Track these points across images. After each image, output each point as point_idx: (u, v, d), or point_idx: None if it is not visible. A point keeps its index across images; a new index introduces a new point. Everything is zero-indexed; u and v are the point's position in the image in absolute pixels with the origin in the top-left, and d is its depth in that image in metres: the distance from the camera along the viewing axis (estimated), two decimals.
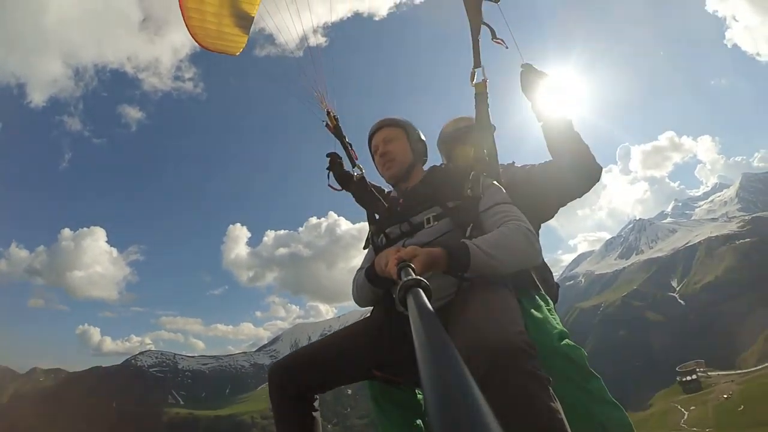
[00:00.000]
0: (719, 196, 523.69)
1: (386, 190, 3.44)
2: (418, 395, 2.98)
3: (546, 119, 3.04)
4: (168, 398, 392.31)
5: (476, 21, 2.98)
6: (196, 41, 3.89)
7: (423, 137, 3.16)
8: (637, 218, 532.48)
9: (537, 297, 2.80)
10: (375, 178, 3.44)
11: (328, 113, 3.72)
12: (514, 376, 1.69)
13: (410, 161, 2.99)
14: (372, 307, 2.94)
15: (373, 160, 3.19)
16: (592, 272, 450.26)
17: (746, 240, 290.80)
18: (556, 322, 2.61)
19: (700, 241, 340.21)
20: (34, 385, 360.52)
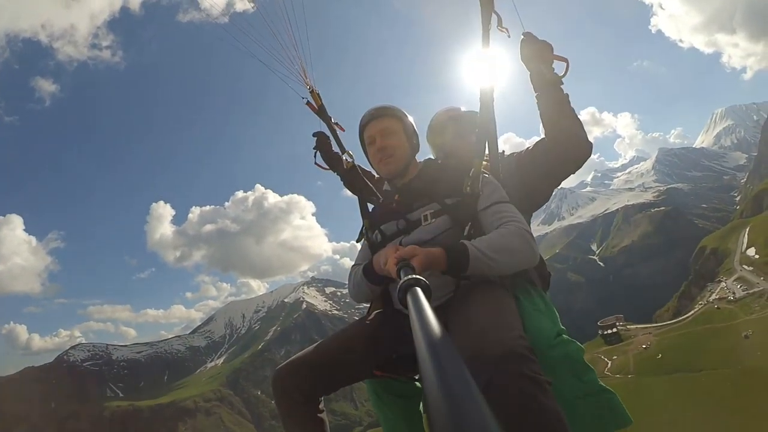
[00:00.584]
0: (636, 168, 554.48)
1: (376, 176, 3.40)
2: (418, 384, 2.97)
3: (545, 91, 2.98)
4: (107, 392, 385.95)
5: (488, 9, 2.91)
6: None
7: (415, 127, 3.04)
8: (559, 187, 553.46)
9: (533, 293, 2.82)
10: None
11: (311, 91, 3.52)
12: (515, 382, 1.71)
13: (409, 156, 2.89)
14: (369, 305, 2.93)
15: (365, 151, 3.05)
16: None
17: (661, 209, 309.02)
18: (553, 318, 2.65)
19: (617, 209, 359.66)
20: None
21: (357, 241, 3.08)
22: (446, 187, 2.68)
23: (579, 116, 2.99)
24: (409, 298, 1.18)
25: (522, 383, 1.71)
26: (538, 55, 2.98)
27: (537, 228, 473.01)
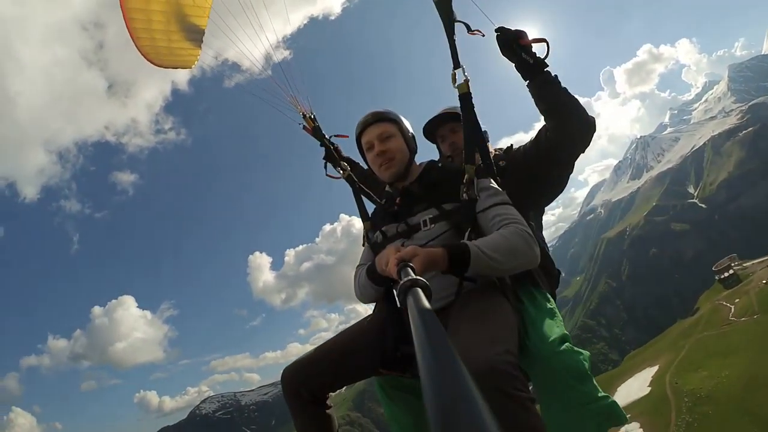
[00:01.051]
0: (712, 94, 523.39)
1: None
2: None
3: (534, 77, 2.96)
4: None
5: (449, 19, 2.91)
6: (148, 60, 3.87)
7: (411, 129, 3.07)
8: (638, 136, 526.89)
9: (538, 295, 2.82)
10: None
11: (304, 116, 3.69)
12: (493, 399, 1.69)
13: (408, 159, 2.93)
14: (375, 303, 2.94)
15: (363, 157, 3.09)
16: (609, 200, 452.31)
17: (749, 130, 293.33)
18: (558, 324, 2.63)
19: (704, 143, 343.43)
20: None
21: (363, 245, 3.14)
22: (446, 192, 2.73)
23: (573, 95, 2.96)
24: (409, 299, 1.19)
25: (501, 401, 1.70)
26: (513, 43, 2.93)
27: (627, 185, 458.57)
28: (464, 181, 2.69)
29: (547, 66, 2.94)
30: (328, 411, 2.57)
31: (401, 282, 1.36)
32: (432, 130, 3.70)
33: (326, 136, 3.72)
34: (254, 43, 3.73)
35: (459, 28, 2.97)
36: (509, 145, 3.51)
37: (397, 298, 1.94)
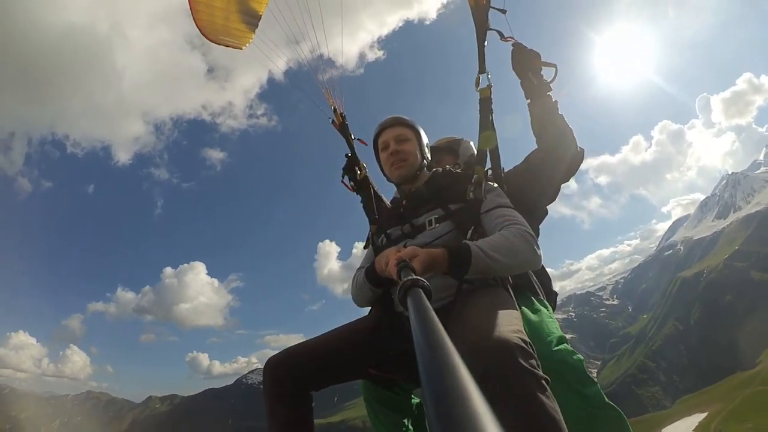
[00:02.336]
0: None
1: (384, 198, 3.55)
2: (413, 399, 3.01)
3: (535, 98, 3.07)
4: None
5: (483, 28, 3.00)
6: (203, 34, 4.00)
7: (427, 140, 3.17)
8: (730, 172, 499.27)
9: (536, 302, 2.86)
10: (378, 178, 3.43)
11: (335, 110, 3.74)
12: (513, 374, 1.68)
13: (419, 164, 3.00)
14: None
15: (377, 156, 3.16)
16: (691, 238, 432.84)
17: None
18: (555, 326, 2.63)
19: None
20: (150, 412, 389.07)
21: (364, 248, 3.17)
22: (452, 194, 2.76)
23: (568, 124, 3.03)
24: (409, 299, 1.18)
25: (520, 376, 1.68)
26: (527, 63, 3.06)
27: (712, 224, 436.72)
28: (473, 181, 2.72)
29: (551, 90, 3.05)
30: (308, 410, 2.49)
31: (401, 282, 1.34)
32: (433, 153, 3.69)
33: (352, 136, 3.73)
34: (339, 41, 3.83)
35: (490, 38, 3.06)
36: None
37: (396, 299, 1.80)
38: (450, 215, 2.66)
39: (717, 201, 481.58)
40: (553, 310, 3.02)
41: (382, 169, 3.16)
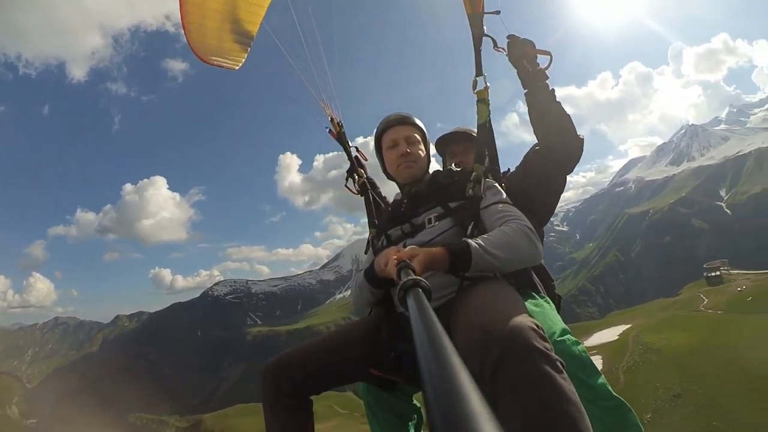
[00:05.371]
0: None
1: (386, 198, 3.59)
2: (415, 403, 2.98)
3: (531, 86, 3.10)
4: (247, 321, 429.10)
5: (478, 32, 3.04)
6: (196, 54, 3.85)
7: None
8: (690, 123, 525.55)
9: (539, 298, 2.85)
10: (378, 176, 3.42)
11: (332, 120, 3.68)
12: (530, 358, 1.67)
13: (427, 166, 3.01)
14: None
15: (379, 153, 3.12)
16: (643, 178, 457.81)
17: None
18: (557, 319, 2.63)
19: (750, 152, 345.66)
20: (120, 330, 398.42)
21: (365, 253, 3.08)
22: (452, 192, 2.74)
23: (566, 111, 3.06)
24: (409, 299, 1.18)
25: (535, 358, 1.67)
26: (521, 51, 3.10)
27: (665, 168, 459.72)
28: (472, 178, 2.72)
29: (547, 78, 3.12)
30: (308, 414, 2.45)
31: (401, 282, 1.34)
32: (445, 144, 3.81)
33: (350, 144, 3.70)
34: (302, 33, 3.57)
35: (486, 42, 3.12)
36: (506, 168, 3.51)
37: (396, 299, 1.87)
38: (449, 213, 2.65)
39: (673, 148, 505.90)
40: (557, 309, 3.00)
41: (383, 166, 3.12)
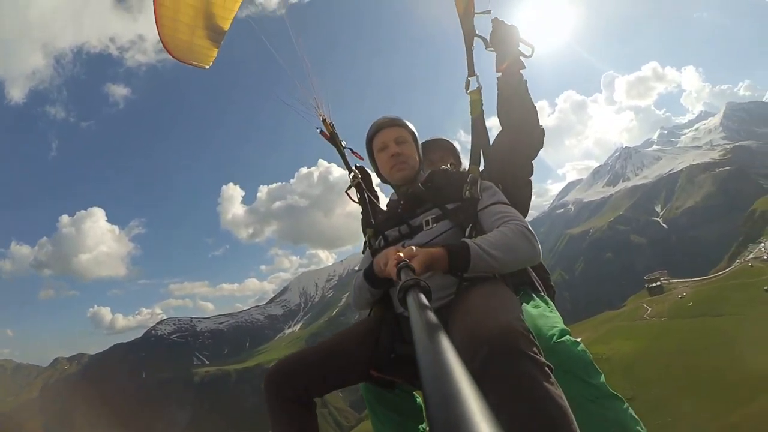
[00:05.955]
0: (704, 124, 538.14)
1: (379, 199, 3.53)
2: (416, 399, 2.97)
3: (504, 71, 3.09)
4: (193, 360, 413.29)
5: (470, 33, 3.06)
6: (167, 50, 3.83)
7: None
8: (624, 146, 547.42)
9: (536, 297, 2.86)
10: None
11: (324, 121, 3.65)
12: (516, 361, 1.68)
13: (419, 166, 2.98)
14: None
15: (371, 156, 3.09)
16: (581, 200, 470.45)
17: (725, 168, 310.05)
18: (557, 320, 2.63)
19: (682, 169, 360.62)
20: (60, 374, 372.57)
21: (362, 252, 3.11)
22: (449, 194, 2.73)
23: (533, 101, 3.10)
24: (408, 300, 1.18)
25: (522, 363, 1.68)
26: (505, 36, 3.07)
27: (602, 189, 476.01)
28: (468, 180, 2.72)
29: (524, 67, 3.09)
30: (312, 417, 2.44)
31: (401, 282, 1.35)
32: (424, 152, 3.52)
33: (343, 145, 3.63)
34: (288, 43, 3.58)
35: (478, 43, 3.13)
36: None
37: (396, 299, 1.89)
38: (447, 214, 2.65)
39: (609, 170, 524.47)
40: (554, 306, 3.00)
41: (376, 170, 3.12)
